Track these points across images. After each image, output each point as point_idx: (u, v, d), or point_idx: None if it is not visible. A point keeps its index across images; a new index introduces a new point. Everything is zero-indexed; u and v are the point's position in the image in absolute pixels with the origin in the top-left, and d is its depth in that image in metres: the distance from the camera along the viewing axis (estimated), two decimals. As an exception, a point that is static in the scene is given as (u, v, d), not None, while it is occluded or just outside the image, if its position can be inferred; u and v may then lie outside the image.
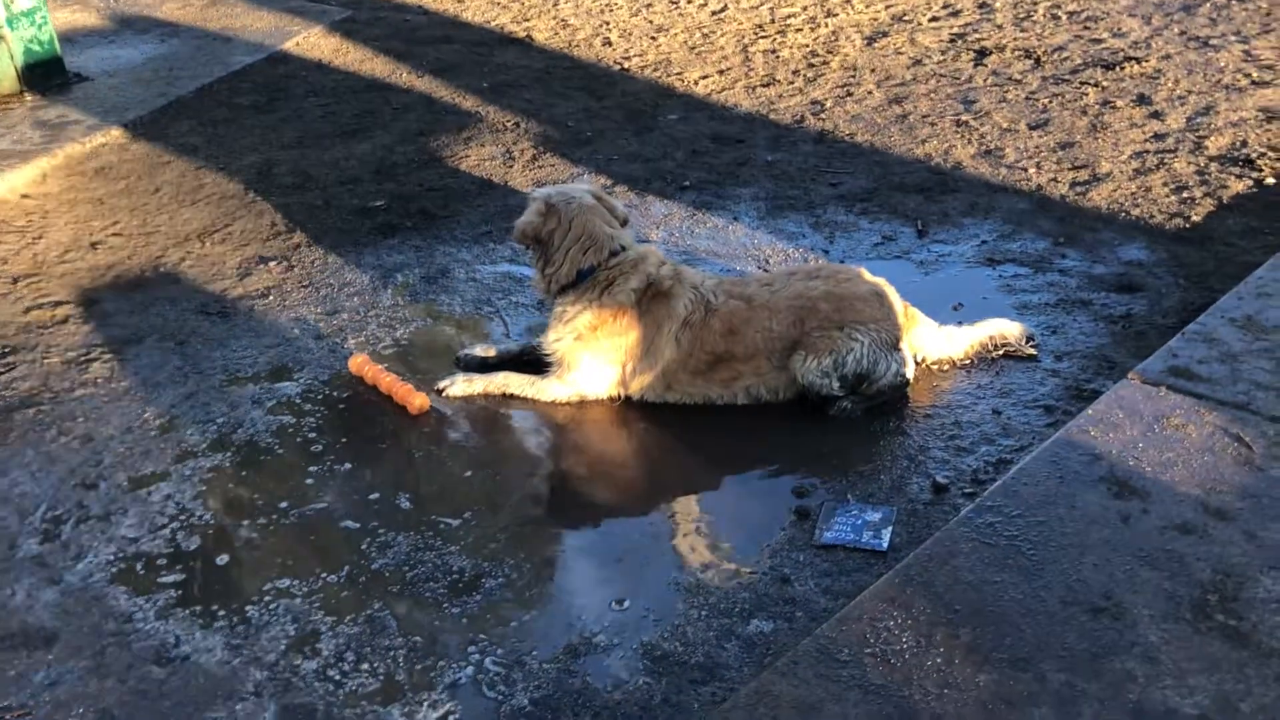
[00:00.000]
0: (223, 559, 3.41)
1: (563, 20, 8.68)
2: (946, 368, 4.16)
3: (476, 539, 3.43)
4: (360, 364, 4.27)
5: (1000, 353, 4.17)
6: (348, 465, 3.81)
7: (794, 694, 2.75)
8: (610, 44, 8.11)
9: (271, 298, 4.92)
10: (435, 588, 3.25)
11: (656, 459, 3.86)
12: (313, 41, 8.34)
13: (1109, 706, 2.68)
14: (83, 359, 4.51)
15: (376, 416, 4.08)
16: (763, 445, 3.84)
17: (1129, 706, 2.68)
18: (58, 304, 4.94)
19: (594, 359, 3.96)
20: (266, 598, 3.24)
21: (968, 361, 4.17)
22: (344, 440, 3.95)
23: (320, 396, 4.20)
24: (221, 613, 3.19)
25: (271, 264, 5.21)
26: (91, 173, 6.29)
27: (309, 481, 3.74)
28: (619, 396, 4.06)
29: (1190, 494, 3.33)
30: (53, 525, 3.58)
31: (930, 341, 4.10)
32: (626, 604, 3.14)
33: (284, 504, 3.63)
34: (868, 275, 4.06)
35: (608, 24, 8.55)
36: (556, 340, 3.97)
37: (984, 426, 3.80)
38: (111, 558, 3.42)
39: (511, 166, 6.18)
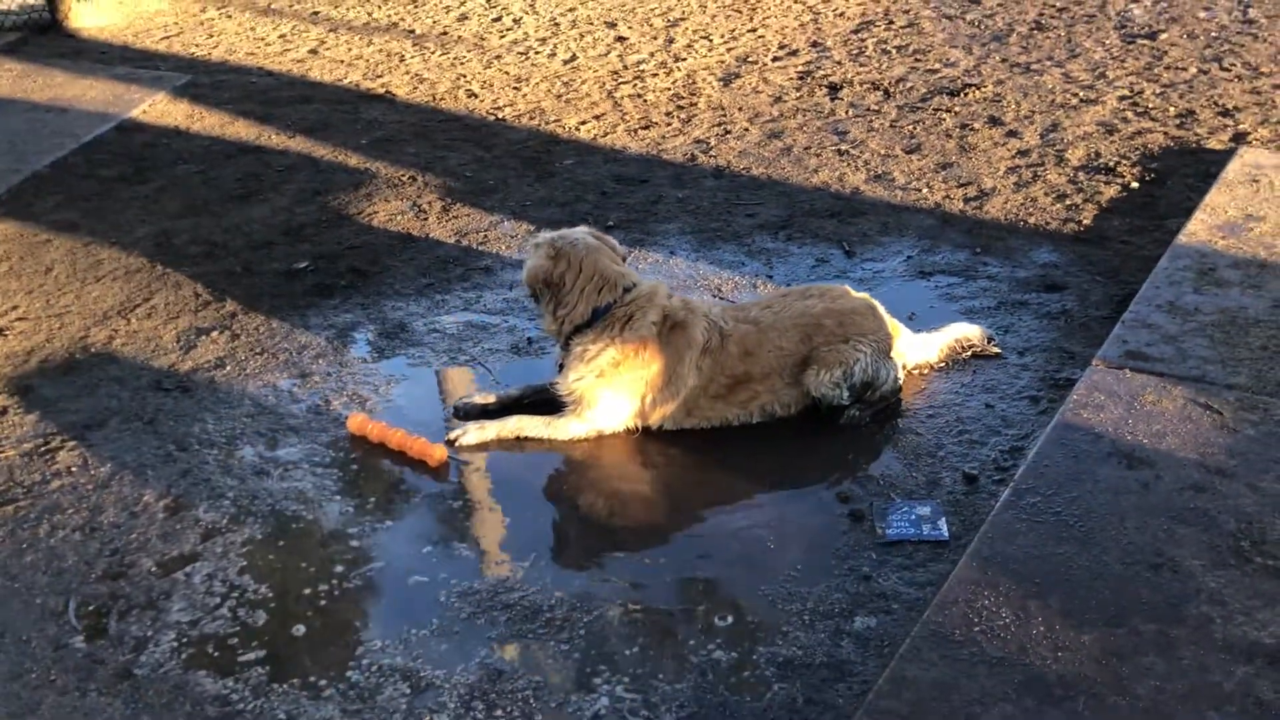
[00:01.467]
0: (299, 629, 3.30)
1: (417, 75, 8.69)
2: (926, 371, 4.47)
3: (554, 576, 3.46)
4: (361, 423, 4.20)
5: (968, 354, 4.52)
6: (388, 523, 3.75)
7: (929, 676, 2.94)
8: (475, 96, 8.18)
9: (229, 368, 4.74)
10: (534, 627, 3.25)
11: (694, 482, 3.97)
12: (161, 108, 8.02)
13: (1203, 646, 2.99)
14: (43, 449, 4.23)
15: (396, 473, 4.02)
16: (790, 459, 4.03)
17: (1218, 644, 3.00)
18: (-13, 395, 4.60)
19: (615, 394, 4.04)
20: (364, 661, 3.16)
21: (942, 364, 4.50)
22: (373, 499, 3.88)
23: (328, 459, 4.10)
24: (323, 682, 3.10)
25: (213, 334, 5.02)
26: (-37, 257, 5.87)
27: (355, 543, 3.66)
28: (635, 428, 4.16)
29: (1189, 458, 3.73)
30: (93, 620, 3.36)
31: (910, 348, 4.40)
32: (730, 619, 3.25)
33: (339, 568, 3.55)
34: (853, 292, 4.33)
35: (464, 77, 8.61)
36: (578, 379, 4.04)
37: (985, 420, 4.12)
38: (176, 644, 3.25)
39: (425, 219, 6.16)
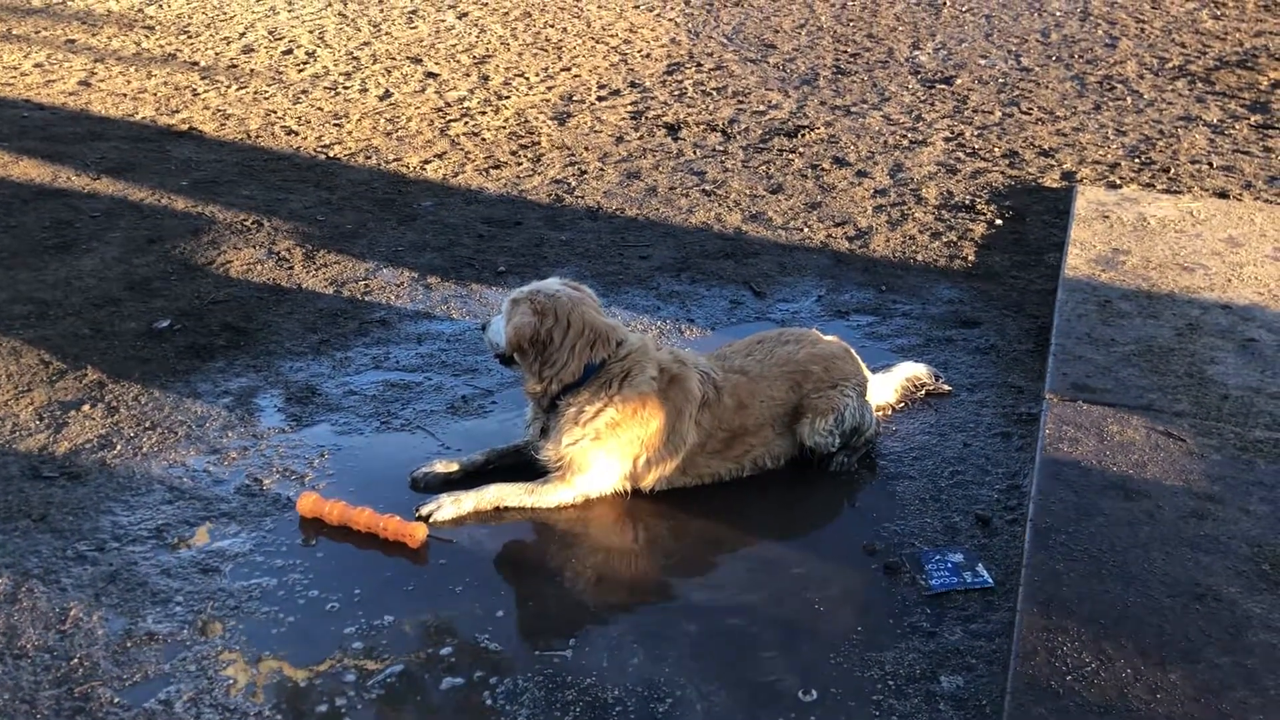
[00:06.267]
0: (331, 757, 2.81)
1: (220, 110, 7.97)
2: (888, 412, 4.43)
3: (605, 662, 3.12)
4: (314, 504, 3.70)
5: (921, 392, 4.51)
6: (388, 618, 3.29)
7: (1048, 734, 2.84)
8: (295, 133, 7.58)
9: (118, 447, 4.07)
10: (608, 726, 2.92)
11: (708, 545, 3.71)
12: (-79, 146, 6.94)
13: (1280, 674, 3.06)
14: (-90, 560, 3.46)
15: (373, 558, 3.55)
16: (796, 514, 3.87)
17: (1293, 671, 3.07)
18: None
19: (608, 457, 3.74)
20: (429, 786, 2.72)
21: (900, 405, 4.47)
22: (358, 591, 3.40)
23: (284, 547, 3.57)
24: (389, 818, 2.63)
25: (83, 408, 4.31)
26: None
27: (357, 644, 3.18)
28: (625, 491, 3.87)
29: (1176, 486, 3.85)
30: (64, 773, 2.73)
31: (874, 390, 4.34)
32: (815, 693, 3.03)
33: (350, 676, 3.06)
34: (823, 335, 4.23)
35: (274, 112, 7.98)
36: (572, 444, 3.70)
37: (969, 460, 4.11)
38: (184, 792, 2.69)
39: (290, 268, 5.59)
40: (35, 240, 5.78)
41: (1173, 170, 7.03)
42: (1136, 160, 7.24)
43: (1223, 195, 6.62)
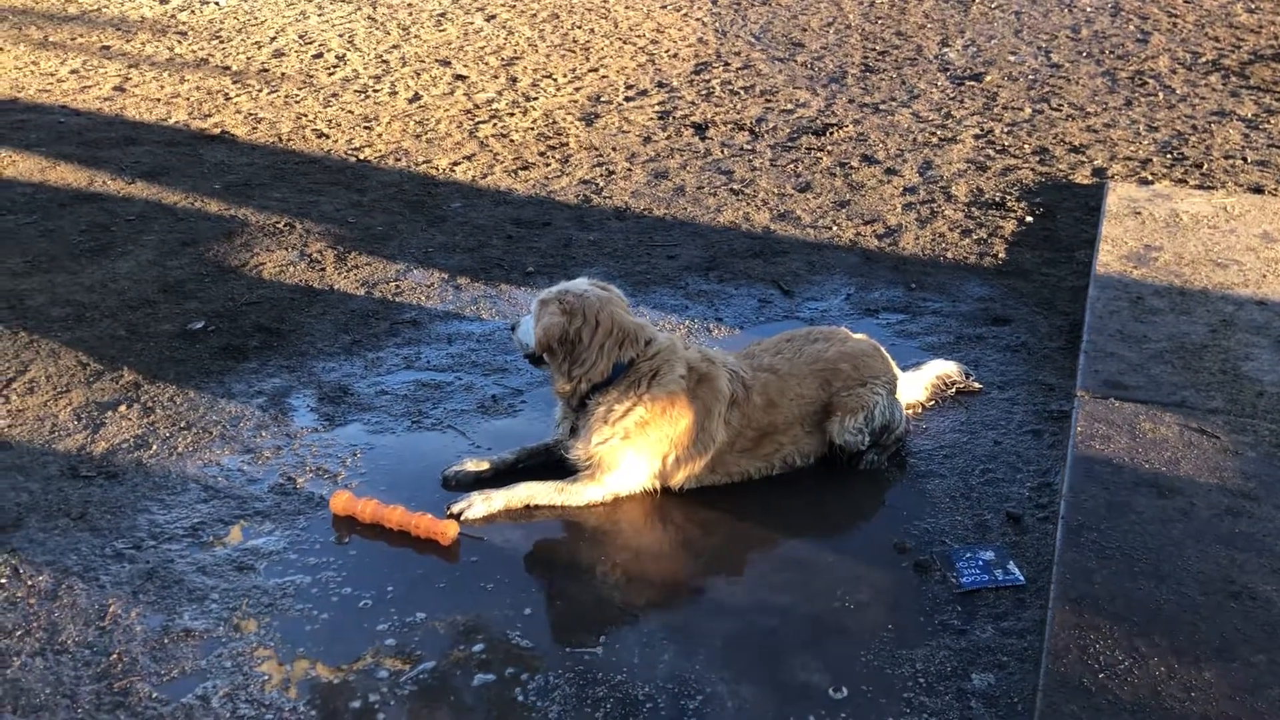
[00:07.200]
0: (365, 752, 2.83)
1: (252, 114, 8.05)
2: (918, 410, 4.41)
3: (639, 661, 3.14)
4: (347, 502, 3.73)
5: (952, 390, 4.50)
6: (420, 615, 3.32)
7: (1080, 731, 2.83)
8: (326, 136, 7.65)
9: (154, 447, 4.13)
10: (639, 722, 2.93)
11: (738, 543, 3.72)
12: (-40, 151, 7.05)
13: (1317, 672, 3.03)
14: (-48, 558, 3.52)
15: (402, 553, 3.58)
16: (826, 512, 3.87)
17: (1329, 668, 3.04)
18: None
19: (637, 456, 3.76)
20: (462, 781, 2.75)
21: (931, 403, 4.46)
22: (390, 588, 3.43)
23: (317, 545, 3.61)
24: (422, 812, 2.66)
25: (120, 408, 4.37)
26: None
27: (390, 641, 3.21)
28: (654, 490, 3.88)
29: (1210, 483, 3.82)
30: (104, 767, 2.77)
31: (904, 388, 4.33)
32: (845, 690, 3.03)
33: (383, 673, 3.09)
34: (852, 333, 4.23)
35: (305, 116, 8.05)
36: (601, 443, 3.72)
37: (1000, 458, 4.09)
38: (221, 786, 2.72)
39: (322, 270, 5.64)
40: (72, 244, 5.86)
41: (1206, 166, 6.97)
42: (1169, 156, 7.18)
43: (1257, 190, 6.56)
